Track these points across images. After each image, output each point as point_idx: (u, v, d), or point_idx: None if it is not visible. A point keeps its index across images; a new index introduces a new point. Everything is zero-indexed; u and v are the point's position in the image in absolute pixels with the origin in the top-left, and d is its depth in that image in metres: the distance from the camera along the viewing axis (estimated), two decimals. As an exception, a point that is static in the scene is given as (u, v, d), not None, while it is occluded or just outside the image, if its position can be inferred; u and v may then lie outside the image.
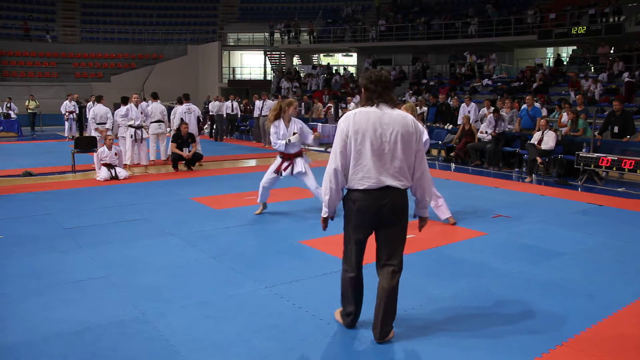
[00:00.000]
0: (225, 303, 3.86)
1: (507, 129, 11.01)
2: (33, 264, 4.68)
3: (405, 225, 3.30)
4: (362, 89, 3.25)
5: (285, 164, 6.37)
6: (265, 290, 4.11)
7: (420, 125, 6.08)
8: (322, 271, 4.59)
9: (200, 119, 12.90)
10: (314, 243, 5.42)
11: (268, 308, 3.79)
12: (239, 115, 18.50)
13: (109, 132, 10.69)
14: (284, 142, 6.23)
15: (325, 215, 3.32)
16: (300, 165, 6.36)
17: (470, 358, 3.13)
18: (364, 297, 3.49)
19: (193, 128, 11.38)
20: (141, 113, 10.48)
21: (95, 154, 9.61)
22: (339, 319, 3.54)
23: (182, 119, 11.07)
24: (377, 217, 3.19)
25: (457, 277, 4.50)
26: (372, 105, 3.17)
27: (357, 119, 3.12)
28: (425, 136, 6.02)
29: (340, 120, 3.21)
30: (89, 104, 16.59)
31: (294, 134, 6.27)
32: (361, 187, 3.13)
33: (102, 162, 9.12)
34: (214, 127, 17.63)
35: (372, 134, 3.09)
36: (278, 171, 6.39)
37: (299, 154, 6.43)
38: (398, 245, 3.30)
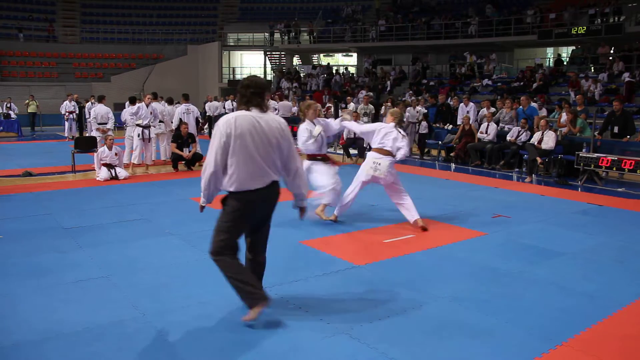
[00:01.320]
0: (225, 303, 3.85)
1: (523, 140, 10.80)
2: (33, 264, 4.68)
3: None
4: (237, 93, 3.51)
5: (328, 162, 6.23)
6: (265, 290, 4.10)
7: (392, 129, 6.04)
8: (322, 271, 4.59)
9: (199, 119, 12.89)
10: (314, 243, 5.42)
11: (268, 308, 3.78)
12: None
13: (109, 132, 10.70)
14: (311, 139, 6.07)
15: (204, 205, 3.62)
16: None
17: (471, 357, 3.13)
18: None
19: (192, 128, 11.38)
20: (150, 113, 10.51)
21: (95, 154, 9.61)
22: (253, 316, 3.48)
23: (181, 119, 11.07)
24: (263, 211, 3.54)
25: (457, 277, 4.50)
26: (246, 110, 3.40)
27: (238, 123, 3.32)
28: (401, 142, 5.96)
29: (220, 124, 3.37)
30: (87, 104, 16.59)
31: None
32: (253, 187, 3.37)
33: (102, 162, 9.12)
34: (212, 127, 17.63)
35: (256, 137, 3.32)
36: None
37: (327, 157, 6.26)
38: (268, 231, 3.75)
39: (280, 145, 3.44)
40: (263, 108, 3.42)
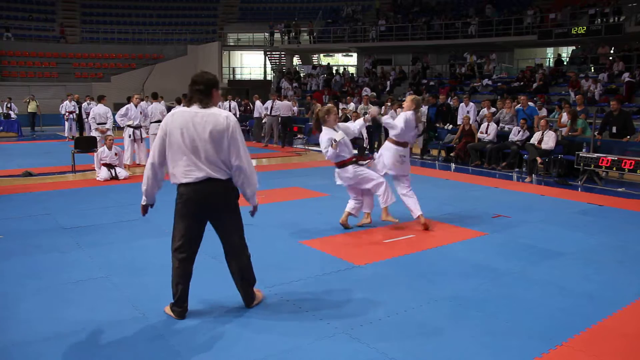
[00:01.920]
0: (225, 303, 3.86)
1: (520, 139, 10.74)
2: (33, 264, 4.68)
3: (235, 211, 3.59)
4: None
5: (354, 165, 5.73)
6: (265, 290, 4.10)
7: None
8: (322, 271, 4.58)
9: None
10: (314, 243, 5.42)
11: (268, 308, 3.79)
12: (238, 116, 18.47)
13: (109, 132, 10.71)
14: (331, 148, 5.54)
15: (144, 203, 3.65)
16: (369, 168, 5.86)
17: (471, 357, 3.13)
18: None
19: None
20: (140, 113, 10.52)
21: (95, 153, 9.61)
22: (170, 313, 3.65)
23: None
24: (203, 208, 3.50)
25: (457, 277, 4.50)
26: (188, 105, 3.49)
27: (174, 118, 3.45)
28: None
29: (164, 119, 3.56)
30: (83, 104, 16.60)
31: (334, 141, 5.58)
32: (184, 181, 3.43)
33: (101, 162, 9.12)
34: None
35: (186, 132, 3.37)
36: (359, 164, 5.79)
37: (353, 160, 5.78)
38: (233, 231, 3.61)
39: (217, 141, 3.37)
40: (204, 104, 3.42)
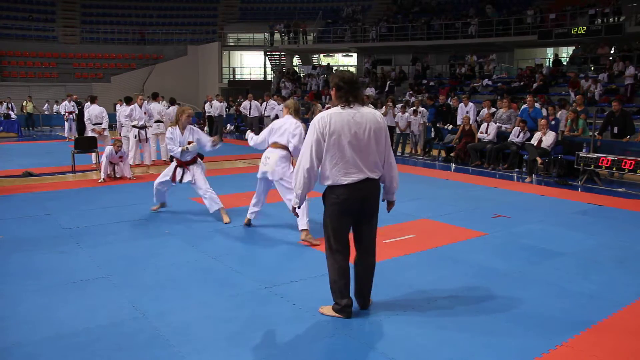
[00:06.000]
0: (225, 303, 3.86)
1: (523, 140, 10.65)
2: (33, 264, 4.68)
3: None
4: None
5: (179, 171, 6.42)
6: (265, 290, 4.11)
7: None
8: (322, 271, 4.57)
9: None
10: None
11: (268, 308, 3.79)
12: (224, 116, 18.55)
13: (105, 132, 10.73)
14: (179, 149, 6.31)
15: (297, 206, 3.72)
16: (191, 174, 6.43)
17: (471, 357, 3.13)
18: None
19: None
20: (145, 113, 10.53)
21: (104, 154, 9.56)
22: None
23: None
24: (358, 207, 3.57)
25: (457, 277, 4.50)
26: (344, 106, 3.48)
27: (333, 120, 3.46)
28: (293, 132, 5.61)
29: (316, 121, 3.52)
30: (64, 102, 16.59)
31: (189, 143, 6.33)
32: (345, 182, 3.47)
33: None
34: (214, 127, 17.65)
35: (349, 132, 3.45)
36: (173, 179, 6.44)
37: (194, 161, 6.50)
38: (374, 231, 3.63)
39: (378, 139, 3.50)
40: (360, 102, 3.52)
